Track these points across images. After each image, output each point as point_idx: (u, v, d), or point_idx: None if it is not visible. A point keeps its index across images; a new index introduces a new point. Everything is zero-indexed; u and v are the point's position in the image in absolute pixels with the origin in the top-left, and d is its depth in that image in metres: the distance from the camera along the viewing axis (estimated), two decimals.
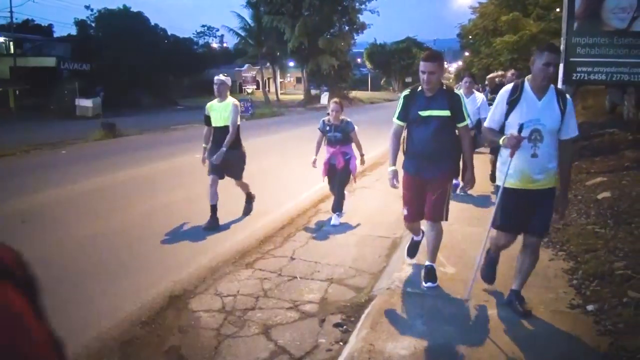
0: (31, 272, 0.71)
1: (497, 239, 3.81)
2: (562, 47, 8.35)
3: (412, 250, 4.62)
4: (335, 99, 6.54)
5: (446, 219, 4.14)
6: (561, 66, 8.36)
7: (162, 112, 32.20)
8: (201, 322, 3.79)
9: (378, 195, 7.80)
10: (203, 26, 70.16)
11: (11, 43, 36.03)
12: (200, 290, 4.38)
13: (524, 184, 3.49)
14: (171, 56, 39.28)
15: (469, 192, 6.94)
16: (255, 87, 55.53)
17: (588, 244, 4.83)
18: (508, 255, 4.87)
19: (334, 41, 41.42)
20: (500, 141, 3.49)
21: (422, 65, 3.83)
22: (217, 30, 62.39)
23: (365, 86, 71.07)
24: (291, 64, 49.22)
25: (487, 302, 3.84)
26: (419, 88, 3.98)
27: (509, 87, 3.60)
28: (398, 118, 4.11)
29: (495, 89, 7.68)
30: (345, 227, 6.15)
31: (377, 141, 10.80)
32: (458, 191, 7.11)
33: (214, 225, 6.06)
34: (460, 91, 7.09)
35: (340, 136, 6.20)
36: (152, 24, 44.23)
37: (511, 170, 3.49)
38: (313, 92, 45.30)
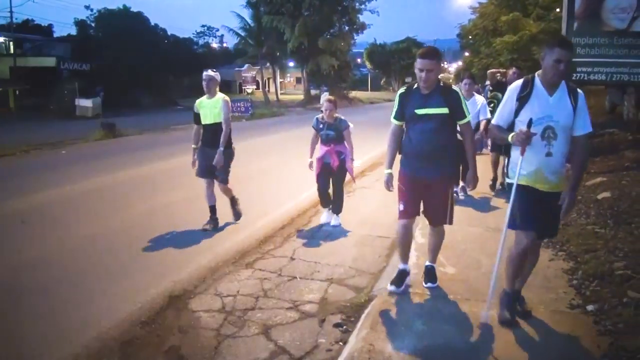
0: None
1: (519, 242, 3.44)
2: None
3: (399, 280, 4.05)
4: (330, 97, 6.38)
5: (450, 223, 4.00)
6: None
7: (162, 112, 32.20)
8: (201, 322, 3.79)
9: (378, 195, 7.79)
10: (203, 26, 70.11)
11: (11, 43, 36.06)
12: (200, 290, 4.38)
13: (537, 184, 3.33)
14: (171, 56, 39.26)
15: (470, 192, 6.95)
16: (255, 87, 55.60)
17: (588, 244, 4.83)
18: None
19: (334, 41, 41.43)
20: (509, 138, 3.30)
21: (420, 63, 3.66)
22: (217, 30, 62.47)
23: (365, 86, 71.07)
24: (291, 64, 49.25)
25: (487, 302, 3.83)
26: (415, 85, 3.82)
27: (518, 83, 3.40)
28: (395, 117, 3.96)
29: (496, 86, 7.55)
30: (345, 227, 6.15)
31: (377, 141, 10.80)
32: (460, 196, 7.04)
33: (213, 226, 6.05)
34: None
35: (333, 134, 6.06)
36: (152, 24, 44.24)
37: (524, 170, 3.33)
38: (313, 92, 45.29)
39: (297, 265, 4.95)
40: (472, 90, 7.11)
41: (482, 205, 6.75)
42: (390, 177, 4.04)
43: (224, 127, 5.93)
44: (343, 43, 43.25)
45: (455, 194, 6.57)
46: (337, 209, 6.31)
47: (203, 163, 6.04)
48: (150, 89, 38.05)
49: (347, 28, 43.53)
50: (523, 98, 3.31)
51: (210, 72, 6.01)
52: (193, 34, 62.18)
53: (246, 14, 42.10)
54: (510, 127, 3.40)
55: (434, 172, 3.83)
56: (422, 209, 4.05)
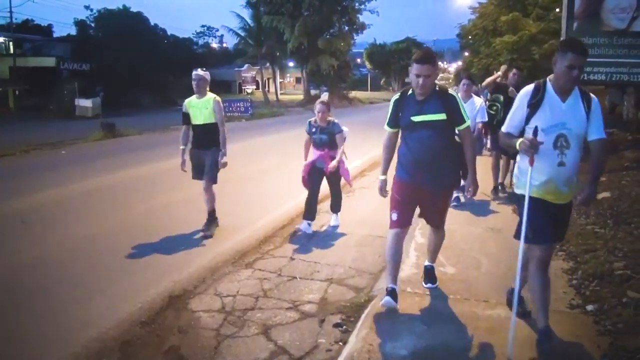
0: None
1: (533, 257, 3.21)
2: None
3: (393, 297, 3.67)
4: (322, 99, 6.13)
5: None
6: None
7: (162, 112, 32.16)
8: (201, 322, 3.79)
9: (378, 196, 7.76)
10: (203, 26, 70.17)
11: (11, 43, 36.09)
12: (200, 290, 4.38)
13: (547, 196, 3.14)
14: (171, 56, 39.29)
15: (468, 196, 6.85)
16: (254, 87, 55.57)
17: (588, 244, 4.83)
18: (510, 255, 4.87)
19: (334, 41, 41.41)
20: (517, 145, 3.11)
21: (416, 68, 3.46)
22: (217, 30, 62.47)
23: (364, 86, 71.06)
24: (291, 64, 49.23)
25: (487, 302, 3.84)
26: (410, 91, 3.65)
27: (529, 88, 3.20)
28: (389, 125, 3.81)
29: (496, 88, 7.33)
30: (345, 227, 6.15)
31: (377, 141, 10.76)
32: (462, 198, 6.70)
33: (210, 229, 5.98)
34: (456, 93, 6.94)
35: (326, 139, 5.86)
36: (152, 24, 44.28)
37: (535, 181, 3.13)
38: (313, 92, 45.28)
39: (296, 265, 4.95)
40: (470, 91, 6.90)
41: (482, 206, 6.75)
42: (384, 183, 3.94)
43: (220, 128, 5.87)
44: (343, 43, 43.22)
45: (457, 199, 6.52)
46: (336, 208, 6.26)
47: (196, 165, 5.92)
48: (150, 89, 38.05)
49: (346, 28, 43.50)
50: (534, 104, 3.13)
51: (200, 72, 5.86)
52: (193, 34, 62.24)
53: (246, 14, 42.14)
54: (522, 135, 3.21)
55: (435, 182, 3.68)
56: (417, 212, 3.97)
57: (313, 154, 5.99)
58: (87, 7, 42.36)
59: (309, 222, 5.95)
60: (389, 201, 3.83)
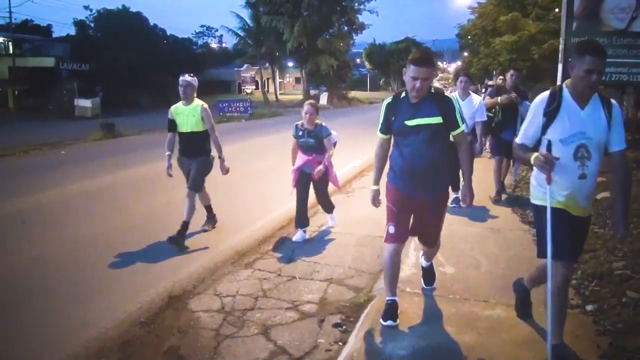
0: None
1: (556, 274, 2.92)
2: (561, 47, 8.37)
3: (392, 315, 3.54)
4: (310, 101, 5.82)
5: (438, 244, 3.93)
6: (560, 66, 8.38)
7: (161, 112, 31.79)
8: (200, 322, 3.79)
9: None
10: (202, 26, 70.19)
11: (10, 43, 36.10)
12: (200, 290, 4.38)
13: (570, 209, 2.94)
14: (170, 56, 39.28)
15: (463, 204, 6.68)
16: (254, 87, 55.57)
17: (587, 244, 4.80)
18: (510, 255, 4.88)
19: (333, 41, 41.42)
20: (531, 160, 2.87)
21: (414, 71, 3.21)
22: (216, 30, 62.58)
23: (364, 86, 71.08)
24: (290, 64, 49.25)
25: (486, 302, 3.84)
26: (403, 94, 3.41)
27: (544, 96, 2.95)
28: (381, 131, 3.56)
29: (496, 91, 7.13)
30: (344, 227, 6.14)
31: (376, 141, 10.77)
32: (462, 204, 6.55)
33: (212, 225, 6.08)
34: (454, 94, 6.46)
35: (313, 142, 5.53)
36: (151, 24, 44.28)
37: (556, 195, 2.92)
38: (312, 92, 45.29)
39: (296, 265, 4.95)
40: (468, 88, 6.65)
41: (482, 206, 6.75)
42: (377, 193, 3.72)
43: (212, 135, 5.69)
44: (342, 43, 43.24)
45: (456, 200, 6.37)
46: (328, 209, 6.11)
47: (187, 174, 5.76)
48: (149, 89, 38.02)
49: (346, 28, 43.52)
50: (550, 113, 2.88)
51: (187, 77, 5.62)
52: (192, 34, 62.34)
53: (245, 14, 42.14)
54: (538, 145, 3.00)
55: (430, 190, 3.48)
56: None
57: (300, 159, 5.69)
58: (86, 7, 42.42)
59: (303, 229, 5.75)
60: (385, 210, 3.62)
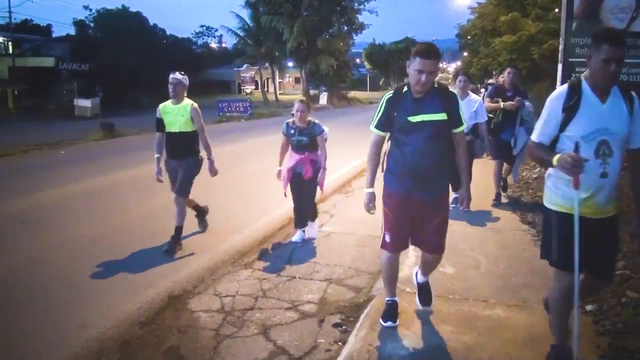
0: None
1: (559, 280, 2.84)
2: (560, 47, 8.37)
3: (392, 316, 3.53)
4: (302, 98, 5.58)
5: (443, 251, 3.48)
6: (560, 66, 8.38)
7: None
8: (200, 322, 3.79)
9: (377, 195, 7.80)
10: (202, 26, 70.37)
11: (10, 43, 36.13)
12: (200, 290, 4.38)
13: (587, 211, 2.71)
14: (170, 56, 39.25)
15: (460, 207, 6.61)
16: (254, 87, 55.63)
17: None
18: (510, 256, 4.88)
19: (333, 41, 41.43)
20: (554, 162, 2.64)
21: (420, 63, 3.02)
22: (216, 30, 62.66)
23: (364, 86, 71.12)
24: (290, 64, 49.27)
25: (486, 302, 3.84)
26: (405, 88, 3.21)
27: (562, 90, 2.77)
28: (377, 127, 3.30)
29: (495, 91, 7.05)
30: (344, 227, 6.15)
31: None
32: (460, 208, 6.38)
33: (204, 227, 6.02)
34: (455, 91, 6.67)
35: (306, 140, 5.38)
36: (151, 24, 44.36)
37: (572, 193, 2.71)
38: (312, 92, 45.31)
39: (296, 265, 4.95)
40: (467, 88, 6.52)
41: (483, 206, 6.74)
42: (372, 197, 3.42)
43: (201, 135, 5.48)
44: (342, 43, 43.25)
45: (455, 200, 6.30)
46: (310, 215, 5.76)
47: (172, 177, 5.53)
48: (149, 89, 37.91)
49: (346, 28, 43.53)
50: (570, 108, 2.68)
51: (177, 75, 5.40)
52: (192, 34, 62.44)
53: (245, 14, 42.15)
54: (554, 143, 2.80)
55: (432, 189, 3.28)
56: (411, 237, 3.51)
57: (291, 158, 5.52)
58: (86, 7, 42.47)
59: (303, 229, 5.72)
60: (382, 216, 3.45)
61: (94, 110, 28.70)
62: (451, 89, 3.46)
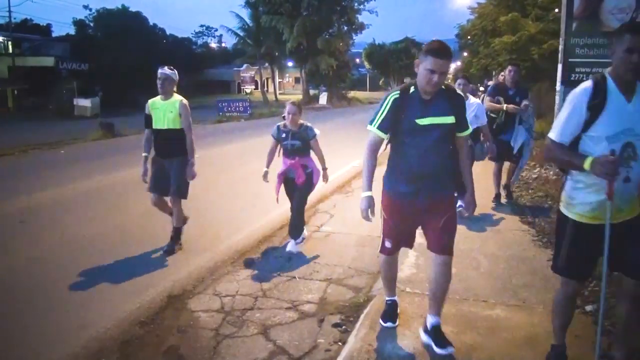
0: None
1: (564, 283, 2.83)
2: (560, 47, 8.38)
3: (391, 315, 3.51)
4: (293, 100, 5.39)
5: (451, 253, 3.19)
6: (560, 67, 8.39)
7: None
8: (200, 322, 3.79)
9: (376, 195, 7.80)
10: (202, 26, 70.46)
11: (9, 43, 36.13)
12: (199, 290, 4.38)
13: (604, 217, 2.52)
14: (170, 56, 39.22)
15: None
16: (253, 87, 55.69)
17: None
18: (509, 256, 4.87)
19: (333, 41, 41.45)
20: (586, 166, 2.43)
21: (433, 62, 2.83)
22: (216, 30, 62.72)
23: (363, 86, 71.20)
24: (290, 64, 49.32)
25: (486, 302, 3.84)
26: (412, 89, 3.02)
27: (586, 86, 2.57)
28: (380, 128, 3.04)
29: (495, 89, 6.98)
30: (344, 227, 6.14)
31: None
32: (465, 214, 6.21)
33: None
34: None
35: (299, 144, 5.17)
36: (151, 23, 44.48)
37: (589, 200, 2.58)
38: (312, 92, 45.33)
39: (296, 265, 4.95)
40: (466, 91, 6.33)
41: (483, 207, 6.73)
42: (371, 201, 3.11)
43: (187, 134, 5.20)
44: (342, 43, 43.28)
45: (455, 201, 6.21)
46: (295, 231, 5.29)
47: (156, 174, 5.24)
48: (148, 88, 37.72)
49: (345, 28, 43.56)
50: (596, 107, 2.50)
51: (166, 70, 5.16)
52: (192, 33, 62.53)
53: (245, 14, 42.21)
54: (574, 143, 2.62)
55: (438, 192, 3.10)
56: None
57: (283, 163, 5.34)
58: (86, 7, 42.59)
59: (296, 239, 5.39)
60: (381, 221, 3.32)
61: (94, 109, 28.70)
62: (459, 91, 3.33)
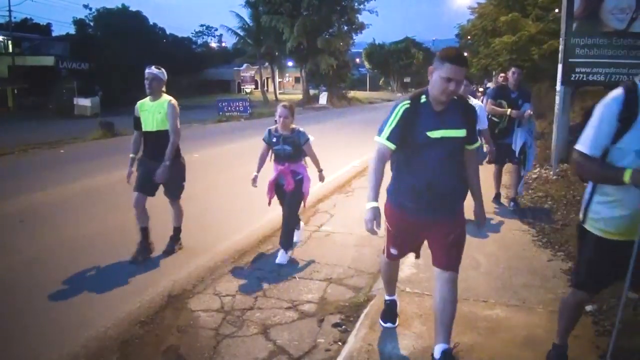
0: None
1: (574, 295, 2.81)
2: (561, 47, 8.38)
3: (391, 315, 3.51)
4: (285, 103, 5.10)
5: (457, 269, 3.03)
6: (560, 67, 8.39)
7: None
8: (200, 321, 3.79)
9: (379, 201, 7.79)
10: (202, 26, 70.52)
11: (10, 42, 36.11)
12: (199, 289, 4.38)
13: (629, 235, 2.44)
14: (170, 55, 39.33)
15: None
16: (253, 86, 55.63)
17: None
18: (509, 256, 4.87)
19: (333, 41, 41.42)
20: (626, 178, 2.27)
21: (450, 70, 2.64)
22: (216, 29, 62.70)
23: (363, 86, 71.18)
24: (290, 63, 49.31)
25: (486, 302, 3.84)
26: (423, 98, 2.82)
27: (617, 95, 2.42)
28: (389, 139, 2.79)
29: (497, 91, 6.82)
30: (344, 227, 6.14)
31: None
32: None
33: (144, 255, 5.07)
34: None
35: (290, 150, 4.93)
36: (151, 23, 44.50)
37: (612, 215, 2.49)
38: (312, 92, 45.33)
39: (296, 265, 4.95)
40: (467, 93, 6.02)
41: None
42: (377, 212, 2.75)
43: (171, 136, 4.93)
44: (342, 43, 43.24)
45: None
46: (285, 242, 5.04)
47: (143, 176, 5.02)
48: None
49: (345, 28, 43.53)
50: (628, 119, 2.35)
51: (153, 70, 4.98)
52: (192, 33, 62.49)
53: (245, 13, 42.17)
54: (605, 156, 2.47)
55: (448, 209, 2.96)
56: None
57: (273, 169, 5.13)
58: (86, 6, 42.65)
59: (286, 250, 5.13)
60: (384, 231, 3.17)
61: (94, 109, 28.67)
62: (472, 100, 3.17)
